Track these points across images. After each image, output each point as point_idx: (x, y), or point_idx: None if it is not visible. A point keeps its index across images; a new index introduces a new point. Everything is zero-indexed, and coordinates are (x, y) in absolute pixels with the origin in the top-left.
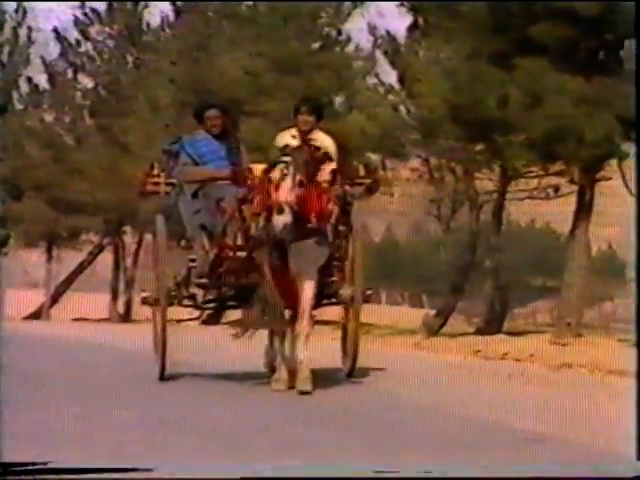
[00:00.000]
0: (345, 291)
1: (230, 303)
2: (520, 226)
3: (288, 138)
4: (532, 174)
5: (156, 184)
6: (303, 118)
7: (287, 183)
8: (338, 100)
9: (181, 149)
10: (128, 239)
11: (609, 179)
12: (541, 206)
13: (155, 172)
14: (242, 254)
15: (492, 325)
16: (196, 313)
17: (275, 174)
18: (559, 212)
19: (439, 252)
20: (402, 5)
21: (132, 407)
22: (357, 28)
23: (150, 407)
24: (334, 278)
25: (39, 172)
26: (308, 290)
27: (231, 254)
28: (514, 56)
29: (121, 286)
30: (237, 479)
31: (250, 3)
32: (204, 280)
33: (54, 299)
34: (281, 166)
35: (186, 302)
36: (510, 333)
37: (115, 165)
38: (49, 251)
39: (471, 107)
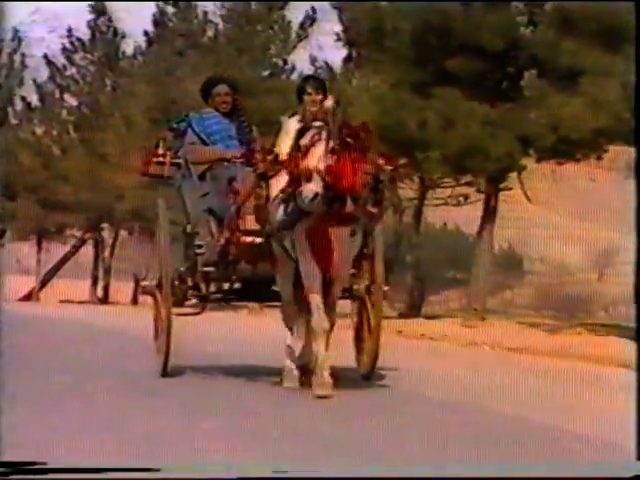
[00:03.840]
0: (360, 286)
1: (235, 295)
2: (435, 228)
3: (295, 123)
4: (446, 184)
5: (160, 164)
6: (312, 98)
7: (319, 149)
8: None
9: (188, 127)
10: (106, 234)
11: (510, 189)
12: (453, 211)
13: (160, 151)
14: (257, 239)
15: (412, 310)
16: (194, 306)
17: (306, 140)
18: (468, 216)
19: None
20: (339, 40)
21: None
22: (300, 59)
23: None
24: (353, 270)
25: (30, 177)
26: (338, 282)
27: (247, 239)
28: (432, 86)
29: (100, 274)
30: (237, 479)
31: (211, 35)
32: (211, 269)
33: (43, 284)
34: (312, 132)
35: (190, 293)
36: (427, 317)
37: (94, 172)
38: (39, 244)
39: (395, 128)
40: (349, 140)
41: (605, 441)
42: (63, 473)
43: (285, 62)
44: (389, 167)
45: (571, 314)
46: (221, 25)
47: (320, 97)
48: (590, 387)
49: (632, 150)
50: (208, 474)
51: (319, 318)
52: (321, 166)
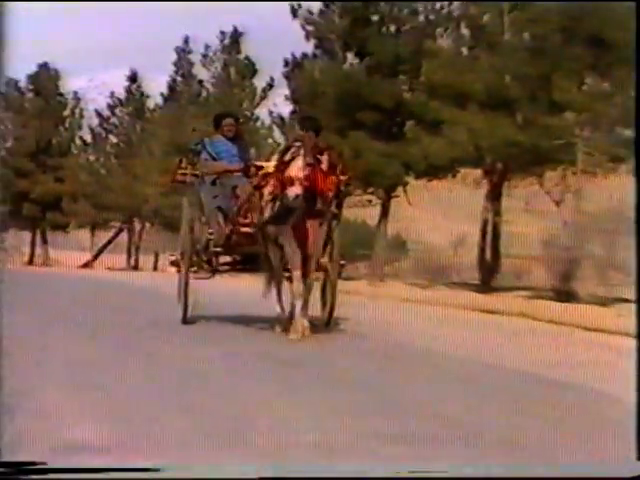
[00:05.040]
0: (324, 260)
1: (235, 267)
2: (350, 221)
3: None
4: (357, 194)
5: (184, 174)
6: (308, 135)
7: (298, 163)
8: (252, 152)
9: (202, 148)
10: (136, 225)
11: (398, 196)
12: (362, 211)
13: (183, 165)
14: (252, 230)
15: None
16: (206, 273)
17: (287, 156)
18: (371, 214)
19: None
20: (287, 99)
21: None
22: (262, 112)
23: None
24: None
25: (86, 188)
26: (313, 257)
27: (245, 229)
28: (347, 130)
29: (132, 251)
30: (237, 479)
31: (204, 95)
32: (219, 249)
33: (94, 257)
34: (293, 150)
35: (204, 265)
36: (344, 279)
37: (128, 185)
38: (92, 231)
39: None
40: (319, 157)
41: (450, 353)
42: (63, 473)
43: (252, 114)
44: (345, 178)
45: (436, 277)
46: (211, 89)
47: (313, 134)
48: (449, 323)
49: (476, 171)
50: (208, 474)
51: (298, 286)
52: (300, 175)
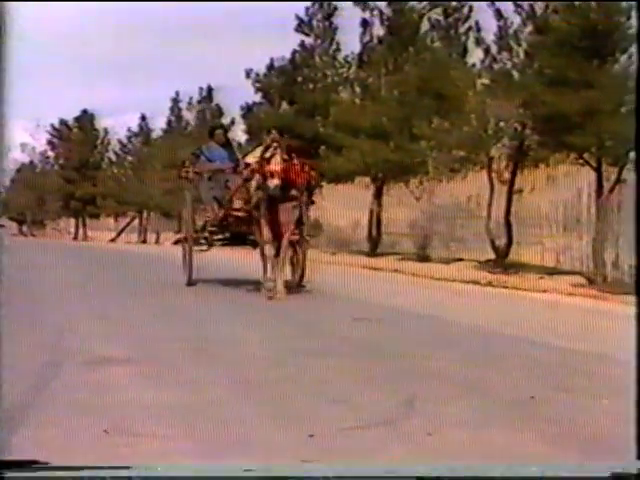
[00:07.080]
0: (294, 236)
1: (227, 242)
2: None
3: (260, 148)
4: None
5: (187, 172)
6: (275, 136)
7: (276, 159)
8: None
9: (201, 153)
10: (144, 214)
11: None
12: None
13: (186, 166)
14: (240, 214)
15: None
16: (204, 247)
17: (267, 154)
18: None
19: None
20: (243, 131)
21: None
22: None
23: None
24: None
25: (112, 191)
26: (287, 233)
27: (234, 214)
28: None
29: (142, 231)
30: (234, 478)
31: (189, 129)
32: (215, 228)
33: (117, 235)
34: (271, 149)
35: (202, 241)
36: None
37: (139, 188)
38: (116, 218)
39: None
40: (292, 154)
41: (350, 295)
42: (63, 472)
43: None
44: (314, 174)
45: (341, 247)
46: (194, 125)
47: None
48: (348, 276)
49: (366, 179)
50: (207, 474)
51: (274, 257)
52: (278, 169)
